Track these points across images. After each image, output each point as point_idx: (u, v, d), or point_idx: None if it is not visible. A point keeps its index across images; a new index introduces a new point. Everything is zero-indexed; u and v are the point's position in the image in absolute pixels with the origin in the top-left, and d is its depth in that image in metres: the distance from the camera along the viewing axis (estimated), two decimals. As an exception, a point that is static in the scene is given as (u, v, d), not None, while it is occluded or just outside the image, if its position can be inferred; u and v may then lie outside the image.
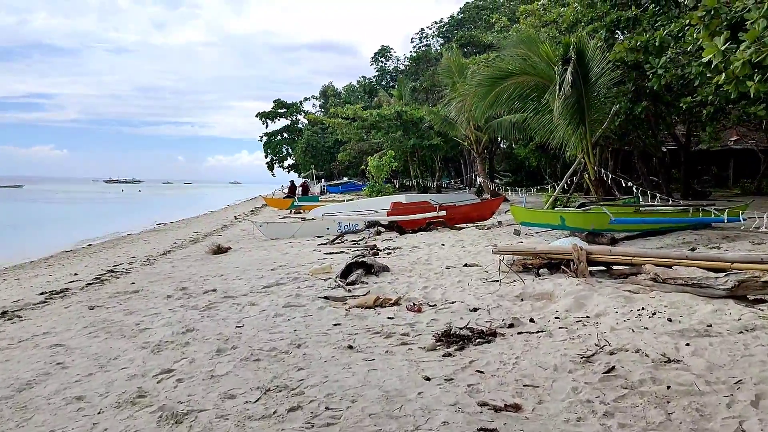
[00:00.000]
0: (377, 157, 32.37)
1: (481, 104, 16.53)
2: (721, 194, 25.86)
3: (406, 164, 45.79)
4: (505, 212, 21.06)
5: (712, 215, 11.15)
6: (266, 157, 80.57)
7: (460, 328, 5.88)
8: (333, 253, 13.09)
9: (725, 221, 10.81)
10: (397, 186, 52.01)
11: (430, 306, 6.99)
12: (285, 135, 79.79)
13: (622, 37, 16.91)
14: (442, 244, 13.44)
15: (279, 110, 77.36)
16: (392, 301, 7.20)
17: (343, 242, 15.50)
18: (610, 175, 16.19)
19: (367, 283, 8.64)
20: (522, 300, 7.09)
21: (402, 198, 19.45)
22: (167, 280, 11.01)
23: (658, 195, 14.60)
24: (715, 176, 33.18)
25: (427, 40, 62.10)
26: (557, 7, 26.96)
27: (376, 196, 28.54)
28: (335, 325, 6.43)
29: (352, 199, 34.23)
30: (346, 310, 7.01)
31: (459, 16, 57.98)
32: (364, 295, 7.81)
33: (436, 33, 60.06)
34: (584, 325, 5.83)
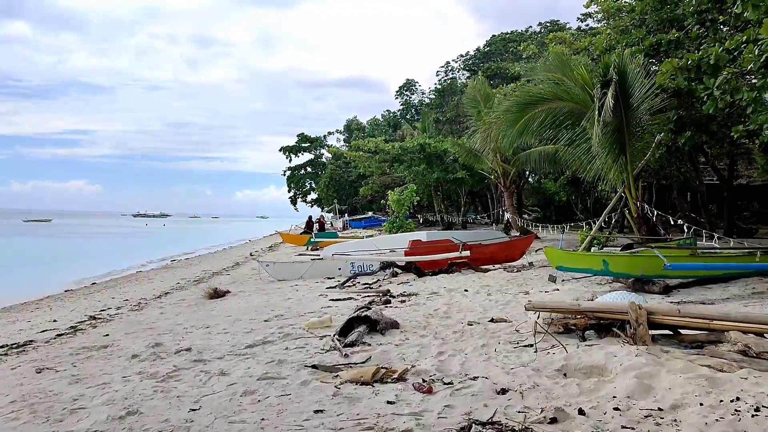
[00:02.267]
0: (398, 191, 30.89)
1: (509, 132, 15.00)
2: (767, 231, 23.87)
3: (430, 199, 44.29)
4: (536, 251, 19.35)
5: (788, 260, 9.38)
6: (289, 191, 79.75)
7: (484, 424, 4.26)
8: (339, 299, 11.52)
9: (805, 267, 9.03)
10: (420, 221, 50.50)
11: (445, 384, 5.35)
12: (308, 169, 78.99)
13: (660, 63, 15.34)
14: (465, 290, 11.79)
15: (303, 144, 76.67)
16: (396, 375, 5.59)
17: (354, 285, 13.94)
18: (655, 212, 14.43)
19: (369, 345, 7.04)
20: (565, 376, 5.44)
21: (422, 235, 17.85)
22: (146, 332, 9.56)
23: (716, 236, 12.81)
24: (756, 212, 31.15)
25: (452, 73, 61.07)
26: (588, 36, 25.55)
27: (397, 232, 27.00)
28: (317, 411, 4.84)
29: (372, 235, 32.77)
30: (336, 387, 5.41)
31: (485, 49, 56.86)
32: (362, 363, 6.22)
33: (462, 66, 58.98)
34: (658, 425, 4.15)
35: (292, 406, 5.03)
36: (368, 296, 11.79)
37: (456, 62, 60.23)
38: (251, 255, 31.57)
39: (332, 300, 11.47)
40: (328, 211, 73.31)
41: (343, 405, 4.95)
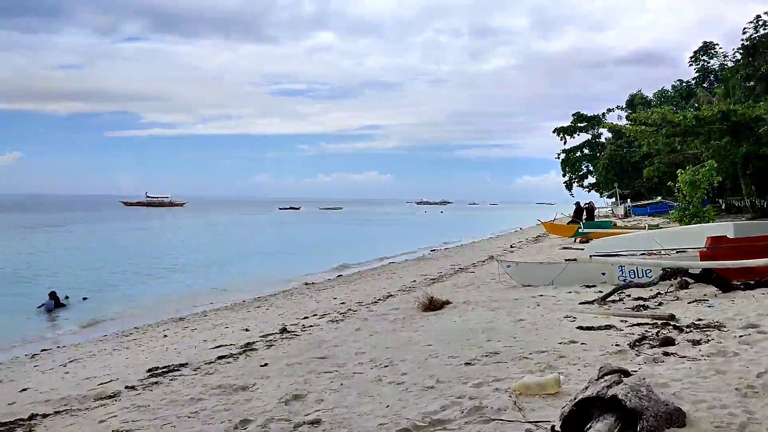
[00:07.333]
0: (691, 170, 24.75)
1: None
2: None
3: (736, 180, 36.26)
4: None
5: None
6: (564, 175, 74.07)
7: None
8: (593, 328, 7.66)
9: None
10: (722, 207, 42.12)
11: None
12: (585, 151, 72.46)
13: None
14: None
15: (579, 124, 70.44)
16: None
17: (621, 300, 9.85)
18: None
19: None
20: None
21: (727, 228, 12.59)
22: (308, 366, 6.94)
23: None
24: None
25: (764, 28, 49.97)
26: None
27: (689, 222, 21.32)
28: None
29: (657, 225, 27.17)
30: None
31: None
32: None
33: (780, 17, 47.75)
34: None
35: None
36: (639, 323, 7.76)
37: (769, 14, 49.06)
38: (511, 247, 28.32)
39: (580, 328, 7.67)
40: (609, 197, 66.41)
41: None
